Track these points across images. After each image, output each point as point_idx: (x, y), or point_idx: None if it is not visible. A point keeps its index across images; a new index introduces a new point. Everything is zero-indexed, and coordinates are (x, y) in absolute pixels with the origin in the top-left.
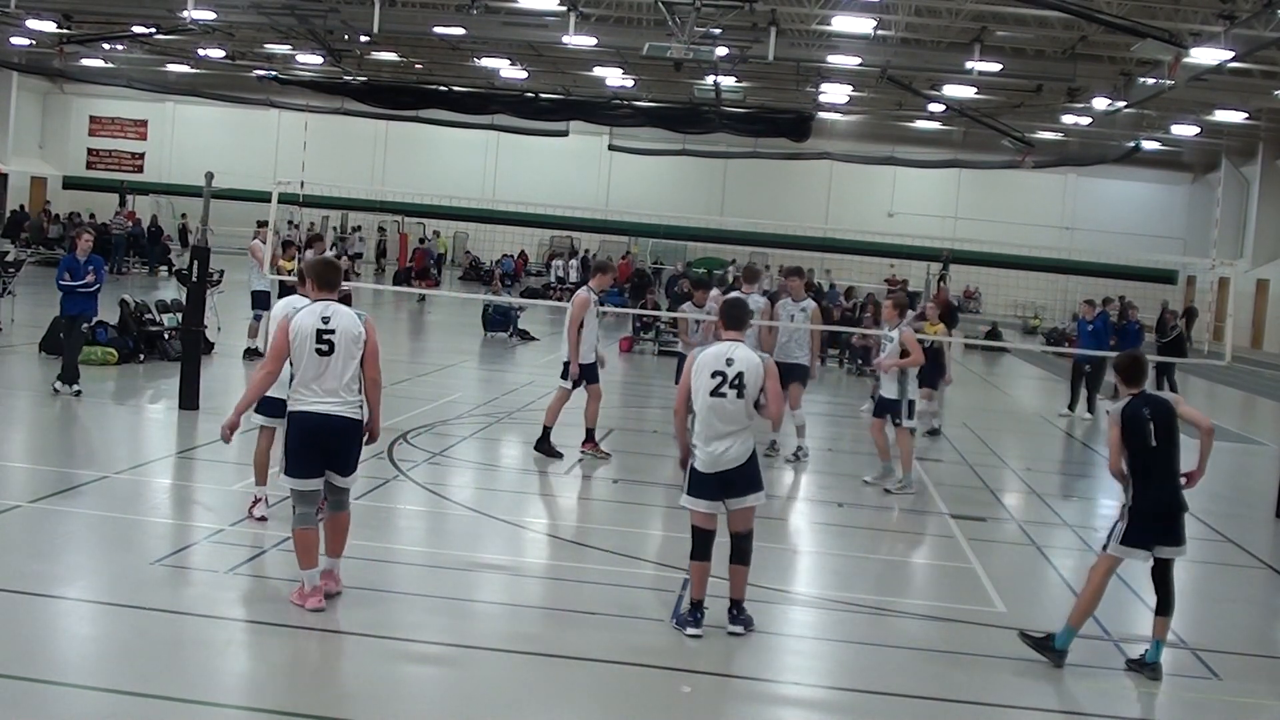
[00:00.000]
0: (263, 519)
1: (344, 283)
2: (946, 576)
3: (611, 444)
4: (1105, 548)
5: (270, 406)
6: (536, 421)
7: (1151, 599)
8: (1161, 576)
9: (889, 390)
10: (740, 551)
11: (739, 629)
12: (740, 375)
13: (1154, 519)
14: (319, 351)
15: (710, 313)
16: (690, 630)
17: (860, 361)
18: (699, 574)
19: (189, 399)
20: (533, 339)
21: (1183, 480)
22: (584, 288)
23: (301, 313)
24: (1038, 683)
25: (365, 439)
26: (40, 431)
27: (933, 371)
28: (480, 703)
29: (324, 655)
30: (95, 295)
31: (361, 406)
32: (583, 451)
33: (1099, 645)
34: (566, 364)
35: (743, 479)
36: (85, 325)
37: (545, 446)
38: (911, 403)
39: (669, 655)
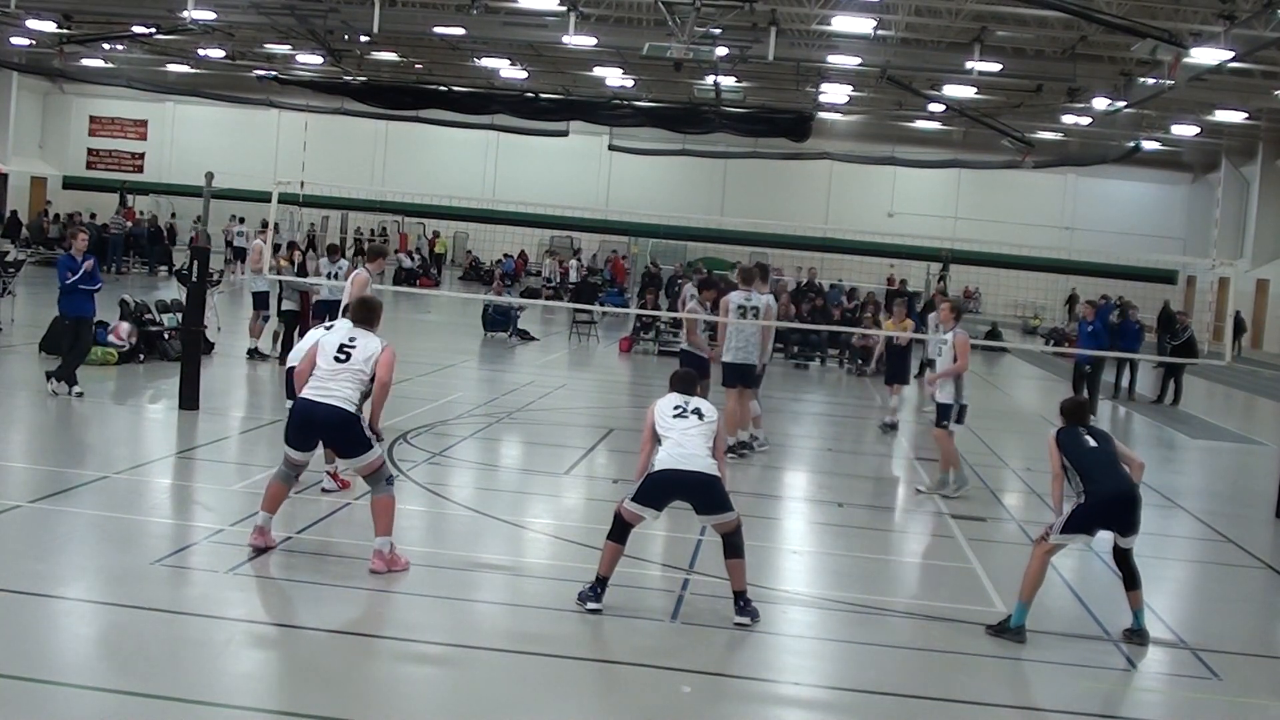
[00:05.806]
0: (345, 484)
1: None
2: (946, 576)
3: (612, 443)
4: (1048, 535)
5: None
6: (537, 422)
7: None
8: (1123, 561)
9: (944, 395)
10: (731, 547)
11: (745, 619)
12: (699, 408)
13: (1106, 507)
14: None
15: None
16: (590, 605)
17: (860, 362)
18: (610, 553)
19: (189, 399)
20: (532, 339)
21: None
22: (360, 268)
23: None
24: (1038, 683)
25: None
26: (40, 431)
27: (900, 368)
28: (481, 703)
29: (324, 655)
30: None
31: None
32: None
33: (1099, 645)
34: None
35: (708, 497)
36: (94, 326)
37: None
38: (964, 407)
39: (669, 655)
